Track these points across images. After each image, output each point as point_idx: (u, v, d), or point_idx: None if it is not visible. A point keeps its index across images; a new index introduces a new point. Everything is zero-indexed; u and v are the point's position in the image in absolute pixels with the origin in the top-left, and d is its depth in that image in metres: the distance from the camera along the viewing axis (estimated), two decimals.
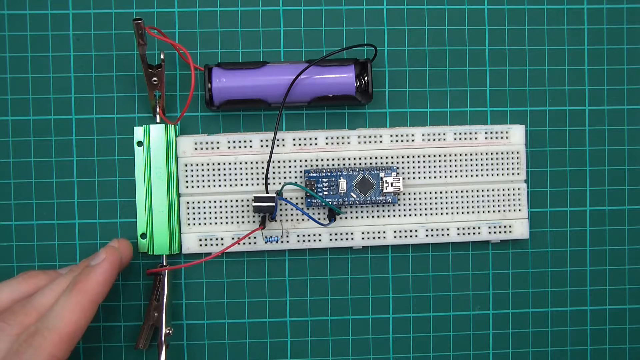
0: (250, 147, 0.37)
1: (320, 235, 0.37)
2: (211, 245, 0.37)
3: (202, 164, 0.37)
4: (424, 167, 0.37)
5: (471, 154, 0.37)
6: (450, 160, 0.37)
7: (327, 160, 0.37)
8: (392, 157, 0.37)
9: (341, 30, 0.38)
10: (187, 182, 0.37)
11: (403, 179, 0.37)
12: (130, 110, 0.38)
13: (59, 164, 0.37)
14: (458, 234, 0.38)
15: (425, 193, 0.37)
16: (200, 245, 0.37)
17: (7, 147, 0.37)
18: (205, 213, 0.37)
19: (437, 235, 0.37)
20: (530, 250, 0.39)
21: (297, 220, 0.37)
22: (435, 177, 0.37)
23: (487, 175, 0.38)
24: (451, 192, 0.37)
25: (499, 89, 0.39)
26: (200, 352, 0.38)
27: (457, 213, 0.37)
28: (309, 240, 0.37)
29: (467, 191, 0.37)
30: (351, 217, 0.37)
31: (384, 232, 0.37)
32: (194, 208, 0.37)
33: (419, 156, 0.37)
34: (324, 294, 0.38)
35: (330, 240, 0.37)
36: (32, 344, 0.29)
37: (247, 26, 0.38)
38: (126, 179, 0.38)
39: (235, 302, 0.38)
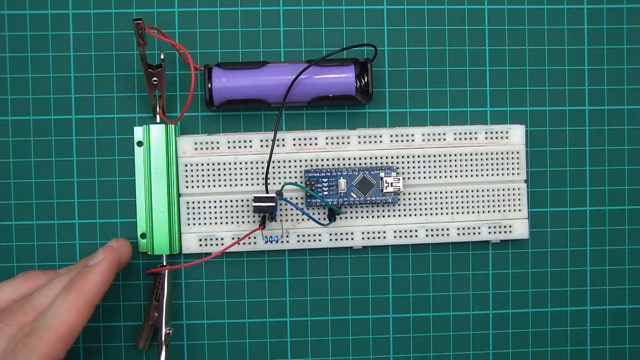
0: (250, 147, 0.37)
1: (320, 235, 0.37)
2: (211, 245, 0.37)
3: (202, 164, 0.37)
4: (424, 167, 0.37)
5: (471, 154, 0.37)
6: (450, 160, 0.37)
7: (327, 160, 0.37)
8: (392, 157, 0.37)
9: (341, 30, 0.38)
10: (187, 182, 0.37)
11: (403, 179, 0.37)
12: (130, 110, 0.38)
13: (59, 164, 0.37)
14: (458, 234, 0.37)
15: (425, 193, 0.37)
16: (200, 245, 0.37)
17: (7, 147, 0.37)
18: (205, 213, 0.37)
19: (437, 235, 0.37)
20: (530, 250, 0.39)
21: (297, 220, 0.37)
22: (435, 177, 0.37)
23: (487, 175, 0.38)
24: (451, 192, 0.37)
25: (499, 89, 0.39)
26: (200, 352, 0.38)
27: (457, 213, 0.37)
28: (309, 240, 0.37)
29: (467, 191, 0.37)
30: (351, 217, 0.37)
31: (384, 232, 0.37)
32: (194, 208, 0.37)
33: (419, 156, 0.37)
34: (324, 294, 0.38)
35: (330, 240, 0.37)
36: (28, 344, 0.29)
37: (247, 26, 0.38)
38: (126, 179, 0.38)
39: (235, 302, 0.38)
